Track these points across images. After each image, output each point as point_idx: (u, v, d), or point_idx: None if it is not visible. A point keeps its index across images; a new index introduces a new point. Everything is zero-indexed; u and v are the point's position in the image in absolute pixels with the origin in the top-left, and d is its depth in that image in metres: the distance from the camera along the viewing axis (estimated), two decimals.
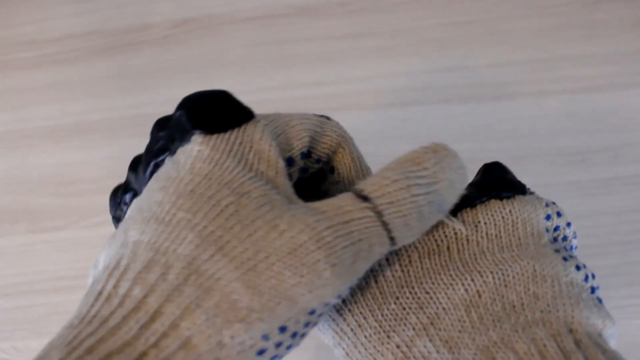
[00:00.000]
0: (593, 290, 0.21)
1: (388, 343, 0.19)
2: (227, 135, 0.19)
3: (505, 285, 0.19)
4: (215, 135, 0.19)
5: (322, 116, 0.23)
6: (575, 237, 0.23)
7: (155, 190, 0.18)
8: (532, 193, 0.23)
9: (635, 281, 0.40)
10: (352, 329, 0.20)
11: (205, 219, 0.17)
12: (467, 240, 0.21)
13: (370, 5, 0.49)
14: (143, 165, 0.21)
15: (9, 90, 0.49)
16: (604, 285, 0.23)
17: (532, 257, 0.20)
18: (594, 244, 0.41)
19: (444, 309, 0.19)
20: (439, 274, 0.20)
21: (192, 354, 0.15)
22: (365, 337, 0.20)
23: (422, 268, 0.20)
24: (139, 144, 0.52)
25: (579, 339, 0.17)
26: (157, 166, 0.20)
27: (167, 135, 0.20)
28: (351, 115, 0.47)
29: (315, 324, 0.18)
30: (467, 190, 0.22)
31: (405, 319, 0.19)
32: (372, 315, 0.20)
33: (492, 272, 0.19)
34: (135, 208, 0.19)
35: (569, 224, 0.22)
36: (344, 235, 0.17)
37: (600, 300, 0.20)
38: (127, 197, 0.22)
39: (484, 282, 0.19)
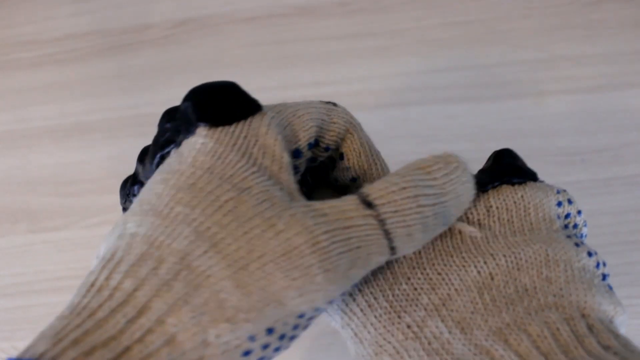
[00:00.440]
0: (604, 277, 0.20)
1: (399, 323, 0.19)
2: (232, 128, 0.19)
3: (518, 269, 0.19)
4: (220, 128, 0.19)
5: (328, 103, 0.23)
6: (585, 226, 0.23)
7: (156, 183, 0.18)
8: (542, 181, 0.23)
9: (635, 281, 0.40)
10: (361, 309, 0.20)
11: (202, 214, 0.17)
12: (479, 223, 0.21)
13: (370, 5, 0.49)
14: (150, 157, 0.20)
15: (9, 90, 0.49)
16: None
17: (545, 241, 0.20)
18: (594, 244, 0.41)
19: (456, 290, 0.19)
20: (451, 255, 0.20)
21: (176, 351, 0.15)
22: (375, 317, 0.19)
23: (434, 250, 0.20)
24: (139, 144, 0.52)
25: (591, 324, 0.17)
26: (162, 158, 0.20)
27: (173, 127, 0.20)
28: None
29: (305, 327, 0.18)
30: (478, 175, 0.22)
31: (417, 299, 0.19)
32: (383, 296, 0.20)
33: (504, 255, 0.19)
34: (137, 200, 0.19)
35: (579, 212, 0.22)
36: (342, 241, 0.17)
37: (610, 288, 0.20)
38: (136, 188, 0.21)
39: (497, 264, 0.19)
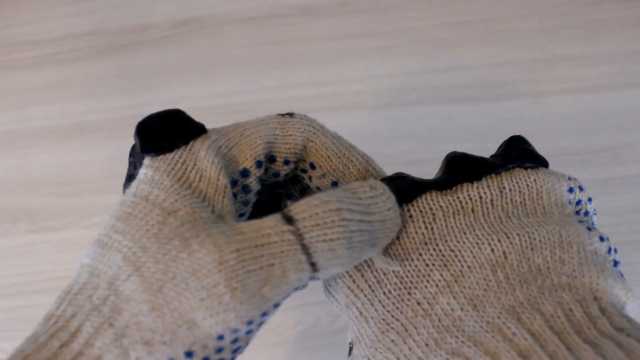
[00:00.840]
0: (615, 264, 0.20)
1: (408, 299, 0.19)
2: (172, 154, 0.19)
3: (532, 248, 0.19)
4: (160, 157, 0.19)
5: (285, 114, 0.22)
6: (595, 214, 0.23)
7: (109, 216, 0.19)
8: None
9: (635, 281, 0.40)
10: (369, 285, 0.20)
11: (131, 240, 0.17)
12: (492, 204, 0.20)
13: (370, 5, 0.49)
14: (123, 192, 0.21)
15: (9, 90, 0.49)
16: None
17: (558, 223, 0.20)
18: None
19: (469, 267, 0.19)
20: (464, 233, 0.20)
21: None
22: (384, 293, 0.19)
23: (446, 226, 0.20)
24: None
25: (603, 307, 0.17)
26: None
27: (133, 161, 0.21)
28: (351, 115, 0.47)
29: (234, 350, 0.18)
30: (491, 158, 0.22)
31: (429, 275, 0.19)
32: (393, 271, 0.19)
33: (518, 235, 0.19)
34: None
35: (590, 199, 0.22)
36: (251, 259, 0.17)
37: (621, 275, 0.20)
38: None
39: (511, 243, 0.19)
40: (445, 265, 0.19)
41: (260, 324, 0.18)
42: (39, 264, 0.44)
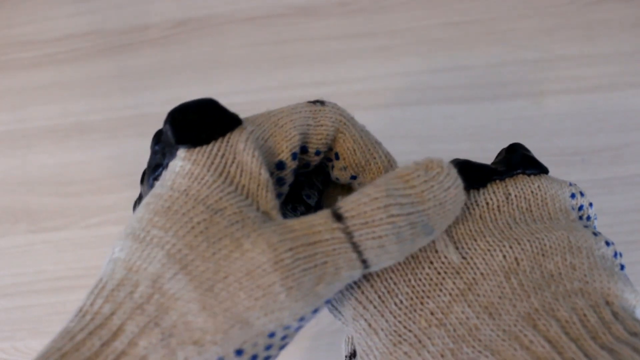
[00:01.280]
0: (622, 267, 0.20)
1: (421, 309, 0.18)
2: (209, 147, 0.19)
3: (543, 254, 0.18)
4: (197, 149, 0.19)
5: (316, 102, 0.22)
6: (596, 219, 0.23)
7: (141, 206, 0.18)
8: None
9: (635, 281, 0.40)
10: (379, 296, 0.19)
11: (175, 237, 0.17)
12: (499, 210, 0.20)
13: (370, 5, 0.49)
14: (146, 180, 0.21)
15: (9, 90, 0.49)
16: None
17: (565, 228, 0.19)
18: None
19: (482, 274, 0.18)
20: (475, 240, 0.19)
21: None
22: (395, 303, 0.19)
23: (456, 234, 0.20)
24: (139, 144, 0.52)
25: (615, 311, 0.17)
26: (155, 180, 0.20)
27: (160, 149, 0.20)
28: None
29: (281, 347, 0.18)
30: (493, 165, 0.22)
31: (441, 284, 0.18)
32: (404, 281, 0.19)
33: (529, 240, 0.19)
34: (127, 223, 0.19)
35: (590, 204, 0.22)
36: (305, 258, 0.17)
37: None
38: None
39: (522, 249, 0.18)
40: (458, 273, 0.18)
41: (309, 320, 0.18)
42: (39, 264, 0.44)
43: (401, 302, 0.19)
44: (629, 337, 0.16)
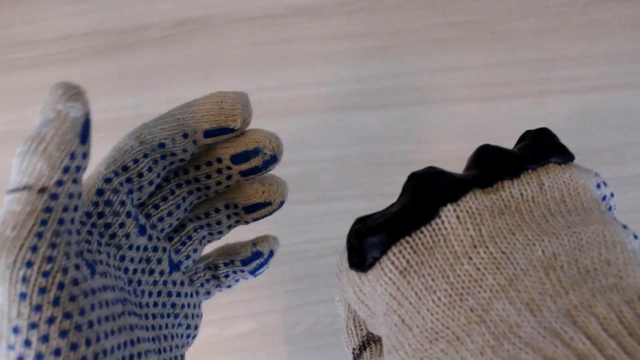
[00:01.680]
0: None
1: (460, 307, 0.17)
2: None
3: (579, 249, 0.18)
4: None
5: None
6: (615, 209, 0.23)
7: None
8: None
9: None
10: (416, 293, 0.18)
11: None
12: (534, 201, 0.20)
13: (370, 5, 0.49)
14: None
15: (9, 90, 0.49)
16: None
17: (600, 221, 0.19)
18: None
19: (522, 270, 0.18)
20: (514, 234, 0.19)
21: None
22: (433, 300, 0.18)
23: (494, 227, 0.19)
24: None
25: None
26: None
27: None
28: (351, 115, 0.47)
29: None
30: (521, 152, 0.21)
31: (481, 280, 0.18)
32: (443, 277, 0.18)
33: (566, 235, 0.18)
34: None
35: (612, 194, 0.22)
36: None
37: None
38: None
39: (560, 244, 0.18)
40: (498, 269, 0.18)
41: None
42: None
43: (439, 299, 0.18)
44: None
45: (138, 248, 0.23)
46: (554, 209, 0.20)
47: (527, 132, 0.23)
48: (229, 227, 0.27)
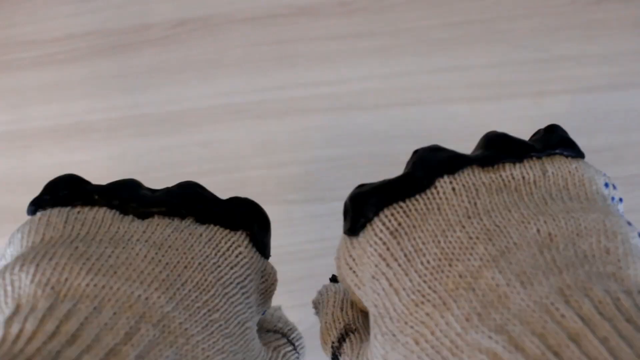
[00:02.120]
0: None
1: (449, 271, 0.17)
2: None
3: (578, 234, 0.18)
4: None
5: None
6: (623, 216, 0.23)
7: None
8: None
9: None
10: (405, 254, 0.18)
11: None
12: (535, 184, 0.20)
13: (370, 5, 0.49)
14: None
15: (9, 90, 0.49)
16: None
17: (602, 211, 0.19)
18: None
19: (515, 244, 0.17)
20: (509, 210, 0.19)
21: None
22: (422, 263, 0.18)
23: (490, 202, 0.19)
24: (139, 144, 0.52)
25: None
26: None
27: None
28: (351, 115, 0.47)
29: None
30: (530, 141, 0.21)
31: (472, 248, 0.18)
32: (433, 241, 0.18)
33: (564, 218, 0.18)
34: None
35: (621, 200, 0.22)
36: None
37: None
38: None
39: (557, 226, 0.18)
40: (490, 240, 0.18)
41: None
42: None
43: (428, 262, 0.18)
44: None
45: None
46: (556, 194, 0.20)
47: (539, 130, 0.23)
48: None
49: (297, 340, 0.26)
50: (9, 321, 0.16)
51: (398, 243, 0.19)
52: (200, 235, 0.21)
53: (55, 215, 0.21)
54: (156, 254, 0.19)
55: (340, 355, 0.23)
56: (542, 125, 0.49)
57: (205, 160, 0.46)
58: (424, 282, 0.18)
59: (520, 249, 0.17)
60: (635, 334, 0.14)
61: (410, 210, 0.19)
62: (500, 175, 0.20)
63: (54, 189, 0.22)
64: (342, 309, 0.24)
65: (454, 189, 0.19)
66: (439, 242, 0.18)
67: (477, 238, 0.18)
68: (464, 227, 0.18)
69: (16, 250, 0.21)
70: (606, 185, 0.21)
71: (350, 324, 0.23)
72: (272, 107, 0.47)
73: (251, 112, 0.47)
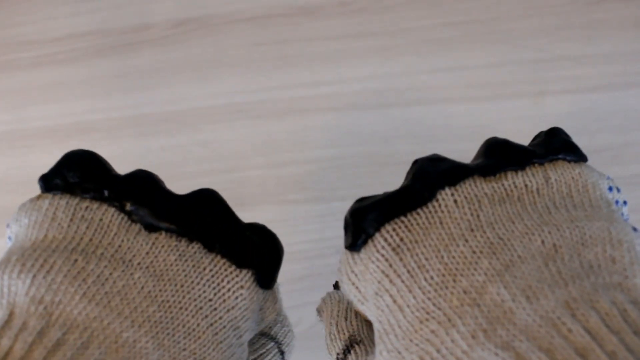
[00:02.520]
0: None
1: (453, 287, 0.17)
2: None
3: (583, 244, 0.17)
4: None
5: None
6: (627, 219, 0.22)
7: None
8: None
9: None
10: (409, 271, 0.18)
11: None
12: (539, 192, 0.19)
13: (370, 5, 0.49)
14: None
15: (9, 90, 0.49)
16: None
17: (607, 219, 0.18)
18: None
19: (519, 257, 0.17)
20: (513, 222, 0.18)
21: None
22: (425, 279, 0.17)
23: (493, 213, 0.19)
24: (139, 144, 0.52)
25: None
26: None
27: None
28: (351, 115, 0.47)
29: None
30: (531, 146, 0.21)
31: (476, 263, 0.17)
32: (436, 257, 0.18)
33: (569, 228, 0.18)
34: None
35: (625, 202, 0.22)
36: None
37: None
38: None
39: (561, 236, 0.17)
40: (494, 254, 0.17)
41: None
42: None
43: (432, 278, 0.17)
44: None
45: None
46: (559, 202, 0.19)
47: (540, 133, 0.23)
48: None
49: (287, 349, 0.25)
50: (1, 331, 0.16)
51: (400, 259, 0.18)
52: (204, 269, 0.20)
53: (62, 208, 0.20)
54: (154, 286, 0.19)
55: None
56: (542, 126, 0.49)
57: (205, 160, 0.46)
58: (428, 299, 0.17)
59: (525, 262, 0.17)
60: None
61: (412, 224, 0.19)
62: (503, 185, 0.20)
63: (67, 171, 0.21)
64: (346, 319, 0.23)
65: (455, 201, 0.19)
66: (442, 257, 0.18)
67: (481, 252, 0.17)
68: (467, 241, 0.18)
69: (21, 236, 0.20)
70: (610, 189, 0.21)
71: (355, 334, 0.23)
72: (272, 107, 0.47)
73: (251, 112, 0.47)
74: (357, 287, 0.20)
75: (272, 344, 0.24)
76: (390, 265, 0.18)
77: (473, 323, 0.16)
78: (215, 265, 0.20)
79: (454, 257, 0.18)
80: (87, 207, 0.20)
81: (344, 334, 0.23)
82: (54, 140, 0.47)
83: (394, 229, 0.19)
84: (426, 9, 0.49)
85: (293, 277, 0.43)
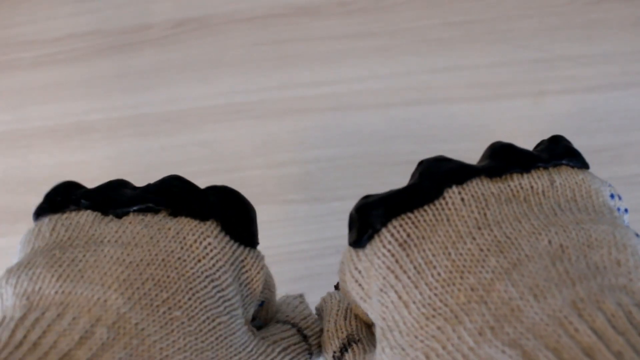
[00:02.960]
0: None
1: (461, 284, 0.17)
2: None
3: (588, 245, 0.17)
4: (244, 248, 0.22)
5: None
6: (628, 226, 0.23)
7: None
8: None
9: None
10: (415, 267, 0.18)
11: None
12: (544, 194, 0.20)
13: (370, 5, 0.49)
14: None
15: (9, 90, 0.49)
16: None
17: (610, 224, 0.19)
18: None
19: (526, 256, 0.17)
20: (520, 221, 0.18)
21: None
22: (432, 275, 0.18)
23: (500, 213, 0.19)
24: (139, 144, 0.52)
25: None
26: None
27: None
28: (351, 115, 0.47)
29: None
30: (535, 151, 0.21)
31: (484, 260, 0.17)
32: (444, 253, 0.18)
33: (575, 229, 0.18)
34: None
35: (626, 210, 0.22)
36: None
37: None
38: None
39: (568, 237, 0.18)
40: (502, 252, 0.17)
41: None
42: None
43: (439, 274, 0.17)
44: None
45: None
46: (564, 205, 0.19)
47: (542, 140, 0.23)
48: None
49: (311, 332, 0.24)
50: None
51: (407, 255, 0.18)
52: (169, 229, 0.20)
53: (46, 223, 0.21)
54: (122, 253, 0.19)
55: None
56: (542, 126, 0.49)
57: (205, 160, 0.46)
58: (435, 295, 0.17)
59: (532, 260, 0.17)
60: None
61: (419, 221, 0.19)
62: (509, 186, 0.20)
63: (52, 196, 0.22)
64: (345, 318, 0.23)
65: (462, 199, 0.19)
66: (450, 254, 0.18)
67: (488, 250, 0.18)
68: (474, 238, 0.18)
69: (17, 259, 0.22)
70: (612, 196, 0.21)
71: (353, 333, 0.23)
72: (272, 107, 0.47)
73: (251, 112, 0.47)
74: (360, 285, 0.20)
75: (295, 331, 0.24)
76: (397, 261, 0.18)
77: (480, 320, 0.16)
78: (178, 224, 0.21)
79: (461, 254, 0.18)
80: (66, 217, 0.21)
81: (343, 332, 0.23)
82: (54, 140, 0.47)
83: (401, 225, 0.19)
84: (426, 9, 0.49)
85: (293, 277, 0.43)
